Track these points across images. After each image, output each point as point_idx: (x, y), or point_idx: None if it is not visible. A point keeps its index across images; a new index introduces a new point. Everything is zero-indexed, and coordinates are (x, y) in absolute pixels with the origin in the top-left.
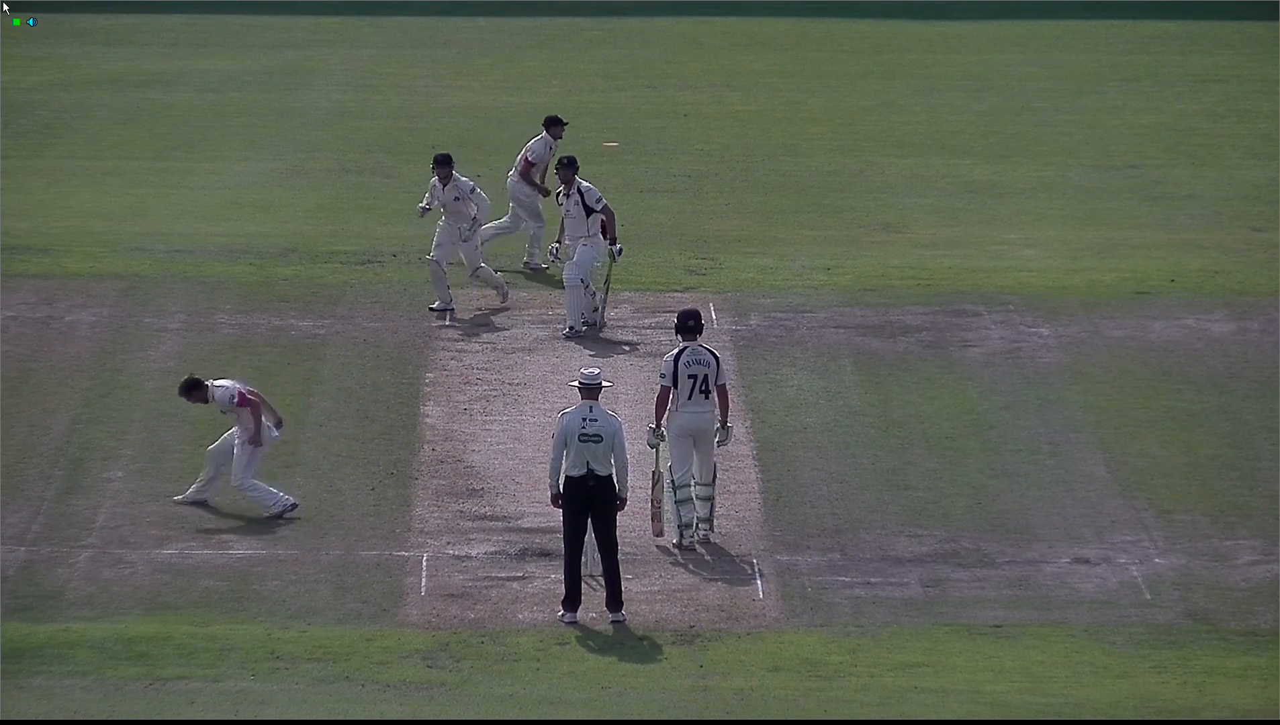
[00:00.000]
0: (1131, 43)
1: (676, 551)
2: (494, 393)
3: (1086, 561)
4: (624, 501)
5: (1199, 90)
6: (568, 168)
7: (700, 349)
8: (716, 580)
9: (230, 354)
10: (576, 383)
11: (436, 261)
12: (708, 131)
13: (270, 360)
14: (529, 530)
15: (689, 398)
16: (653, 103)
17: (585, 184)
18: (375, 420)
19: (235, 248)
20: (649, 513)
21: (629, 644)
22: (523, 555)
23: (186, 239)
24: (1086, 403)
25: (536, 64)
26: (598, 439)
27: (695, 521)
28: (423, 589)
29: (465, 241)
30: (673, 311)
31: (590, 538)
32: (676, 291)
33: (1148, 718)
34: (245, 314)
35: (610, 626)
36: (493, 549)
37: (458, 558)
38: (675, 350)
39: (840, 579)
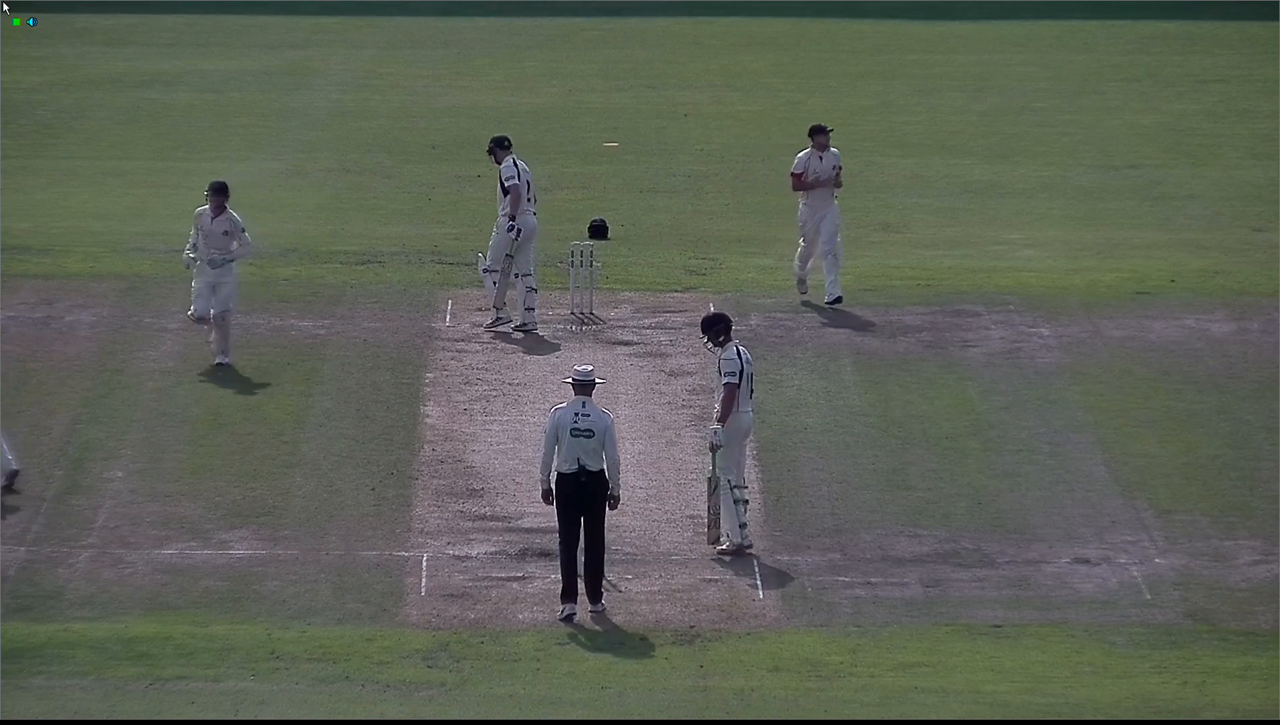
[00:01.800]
0: (1131, 43)
1: (726, 557)
2: (494, 393)
3: (1086, 561)
4: (617, 498)
5: (1199, 90)
6: (493, 143)
7: (745, 349)
8: (716, 580)
9: (230, 354)
10: (570, 379)
11: (200, 317)
12: (708, 131)
13: (270, 360)
14: (529, 530)
15: (748, 397)
16: (653, 103)
17: (506, 162)
18: (375, 420)
19: None
20: (706, 522)
21: (629, 644)
22: (523, 555)
23: (186, 239)
24: (1086, 403)
25: (536, 64)
26: (589, 434)
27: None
28: (423, 589)
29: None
30: (672, 311)
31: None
32: (676, 291)
33: (1148, 718)
34: (245, 314)
35: (609, 627)
36: (493, 549)
37: (458, 558)
38: (733, 347)
39: (840, 579)
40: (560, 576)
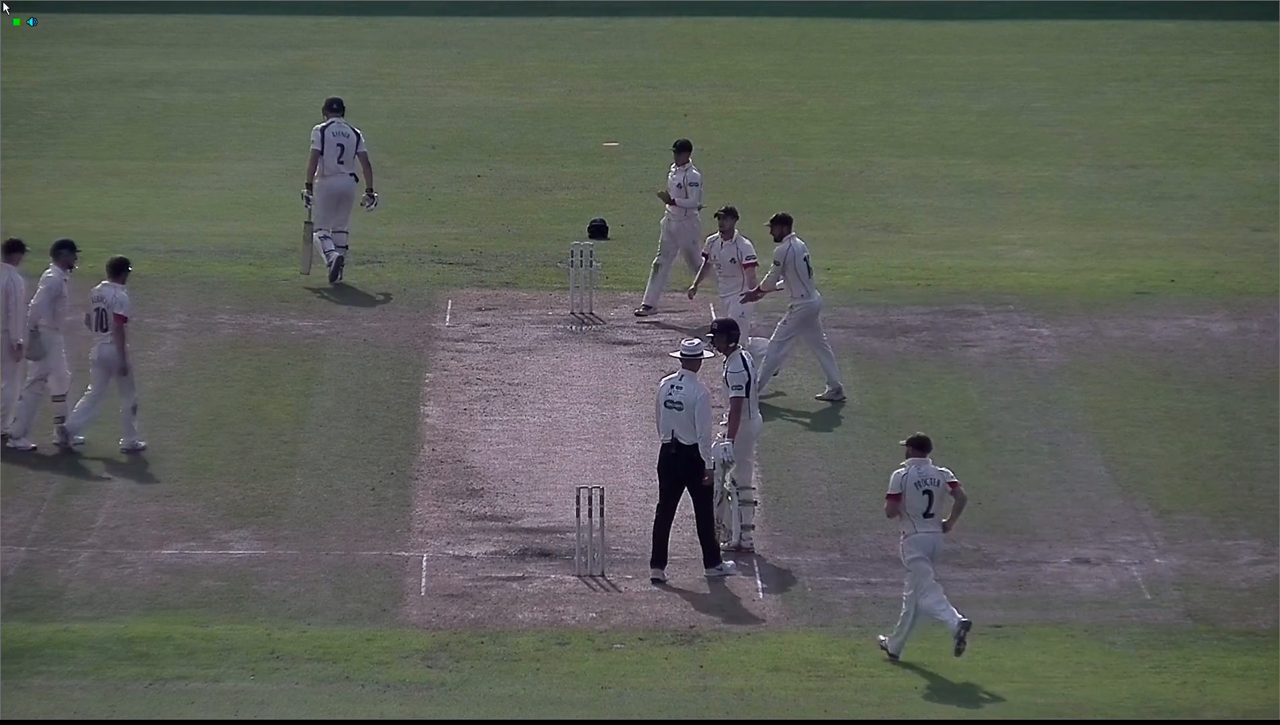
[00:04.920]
0: (1131, 43)
1: (735, 556)
2: (494, 393)
3: (1086, 561)
4: (709, 472)
5: (1199, 90)
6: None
7: (750, 355)
8: (717, 580)
9: (230, 354)
10: (678, 353)
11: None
12: (708, 131)
13: (270, 360)
14: (529, 530)
15: (755, 400)
16: (653, 103)
17: (316, 127)
18: (375, 420)
19: (235, 248)
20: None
21: (629, 644)
22: (523, 555)
23: (186, 239)
24: (1086, 403)
25: (536, 64)
26: (679, 407)
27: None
28: (423, 589)
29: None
30: (672, 311)
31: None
32: (676, 291)
33: (1148, 718)
34: (245, 314)
35: (609, 627)
36: (493, 549)
37: (458, 558)
38: (738, 357)
39: (840, 579)
40: (651, 542)
